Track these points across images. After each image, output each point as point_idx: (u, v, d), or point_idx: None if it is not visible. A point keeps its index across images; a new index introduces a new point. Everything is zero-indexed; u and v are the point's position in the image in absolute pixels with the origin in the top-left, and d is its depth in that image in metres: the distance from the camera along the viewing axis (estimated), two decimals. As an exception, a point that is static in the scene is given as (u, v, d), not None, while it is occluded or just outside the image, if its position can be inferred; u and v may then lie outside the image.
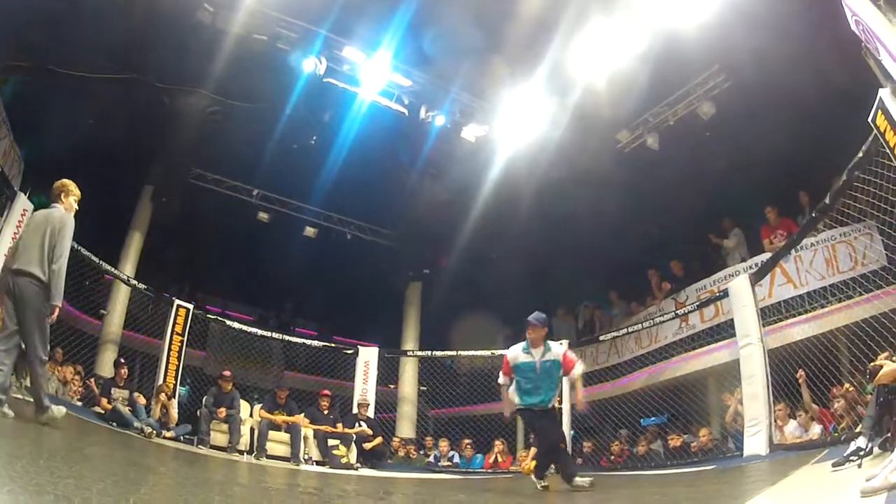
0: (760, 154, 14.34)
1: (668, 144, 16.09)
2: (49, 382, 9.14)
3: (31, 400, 7.64)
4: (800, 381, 10.75)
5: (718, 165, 15.31)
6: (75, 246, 8.54)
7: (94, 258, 14.05)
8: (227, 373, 14.84)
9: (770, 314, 12.47)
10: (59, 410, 7.41)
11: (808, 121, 12.97)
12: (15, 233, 11.69)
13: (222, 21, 14.83)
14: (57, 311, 7.48)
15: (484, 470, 15.82)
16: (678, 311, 14.35)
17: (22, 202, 12.03)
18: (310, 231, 21.24)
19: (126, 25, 14.50)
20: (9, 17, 13.25)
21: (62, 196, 8.06)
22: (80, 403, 13.51)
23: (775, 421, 10.64)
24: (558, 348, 8.97)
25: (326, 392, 15.77)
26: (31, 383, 7.71)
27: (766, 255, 13.10)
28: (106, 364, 16.19)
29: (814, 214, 10.64)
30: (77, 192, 8.18)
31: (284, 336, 18.67)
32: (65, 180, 8.20)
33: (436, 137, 18.08)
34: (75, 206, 8.16)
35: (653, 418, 15.25)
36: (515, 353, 8.85)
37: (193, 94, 17.31)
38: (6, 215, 11.82)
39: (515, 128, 17.29)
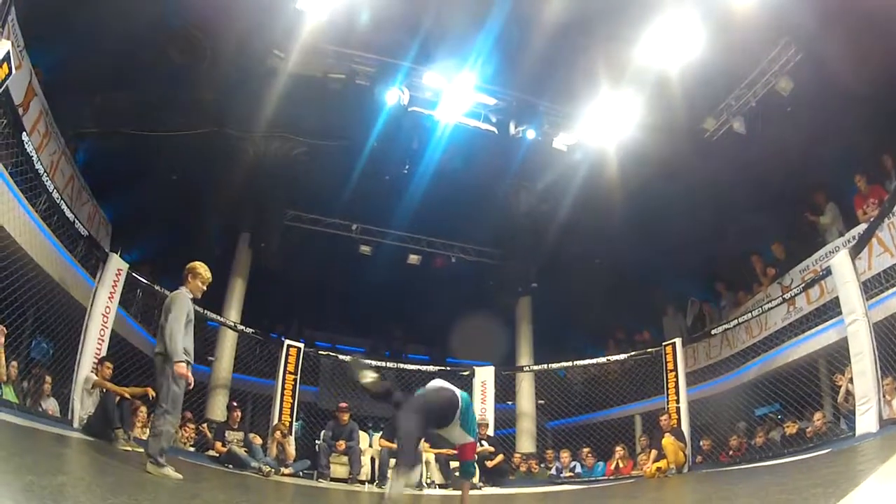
0: (843, 122, 14.00)
1: (753, 126, 15.82)
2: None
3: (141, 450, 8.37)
4: (904, 352, 10.46)
5: (805, 140, 14.88)
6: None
7: (197, 307, 14.51)
8: (343, 405, 15.12)
9: (872, 286, 12.07)
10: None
11: (884, 83, 12.61)
12: (111, 293, 12.24)
13: (295, 65, 15.21)
14: (180, 367, 7.97)
15: (606, 477, 15.68)
16: (784, 296, 14.04)
17: (115, 262, 12.62)
18: (413, 258, 21.50)
19: (195, 81, 15.06)
20: (72, 85, 13.92)
21: (188, 278, 8.65)
22: (192, 449, 13.99)
23: (884, 396, 10.36)
24: None
25: None
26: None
27: (862, 227, 12.74)
28: (217, 408, 16.79)
29: (900, 178, 10.42)
30: (205, 274, 8.73)
31: (398, 364, 18.85)
32: (193, 263, 8.74)
33: (528, 151, 18.11)
34: (202, 287, 8.75)
35: (766, 408, 15.00)
36: None
37: (275, 138, 17.80)
38: (100, 276, 12.38)
39: (603, 131, 17.24)
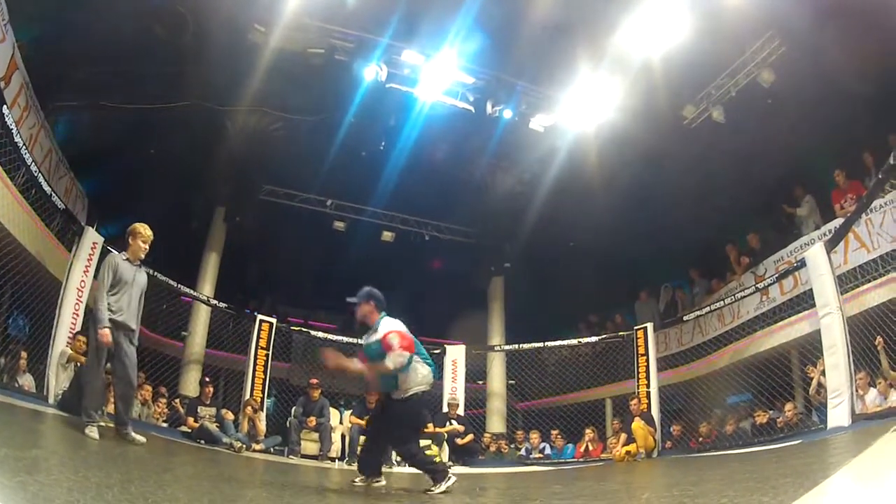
0: (823, 117, 14.13)
1: (733, 116, 15.91)
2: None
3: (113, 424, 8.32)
4: (878, 347, 10.57)
5: (784, 133, 15.00)
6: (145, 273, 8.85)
7: (171, 282, 14.46)
8: (314, 381, 15.13)
9: (847, 280, 12.18)
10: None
11: (866, 79, 12.68)
12: (86, 267, 12.15)
13: (276, 39, 15.13)
14: (103, 333, 7.99)
15: (575, 459, 15.78)
16: (758, 285, 14.17)
17: (91, 236, 12.41)
18: (387, 235, 21.60)
19: (177, 55, 14.94)
20: (55, 59, 13.76)
21: (129, 240, 8.65)
22: (165, 425, 13.98)
23: (857, 391, 10.50)
24: (386, 324, 7.34)
25: None
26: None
27: (839, 221, 12.86)
28: (190, 384, 16.87)
29: (880, 175, 10.50)
30: (145, 232, 8.63)
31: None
32: (133, 224, 8.72)
33: (504, 131, 18.15)
34: (144, 246, 8.65)
35: (737, 397, 15.16)
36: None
37: (254, 113, 17.73)
38: (75, 250, 12.24)
39: (582, 114, 17.25)
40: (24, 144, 10.94)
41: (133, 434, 8.10)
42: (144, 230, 8.60)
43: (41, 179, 11.46)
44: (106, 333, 7.90)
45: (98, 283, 8.36)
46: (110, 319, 8.04)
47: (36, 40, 13.16)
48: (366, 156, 19.06)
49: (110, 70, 14.87)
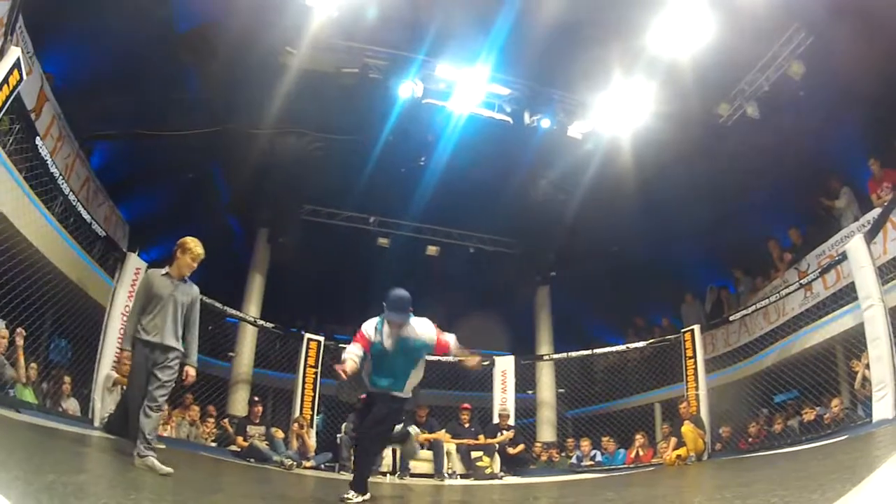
0: (855, 107, 13.99)
1: (767, 111, 15.73)
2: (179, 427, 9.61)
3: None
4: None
5: (818, 124, 14.81)
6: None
7: (216, 304, 14.66)
8: (363, 397, 14.98)
9: (887, 271, 11.98)
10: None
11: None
12: (130, 292, 12.34)
13: (307, 61, 15.30)
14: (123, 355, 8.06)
15: (626, 465, 15.70)
16: (801, 281, 14.00)
17: (133, 262, 12.66)
18: (432, 250, 21.59)
19: (209, 80, 15.23)
20: (85, 89, 14.04)
21: (177, 254, 7.96)
22: (214, 444, 14.17)
23: (902, 382, 10.35)
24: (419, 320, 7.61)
25: (466, 405, 16.04)
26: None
27: (877, 211, 12.67)
28: (239, 404, 17.01)
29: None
30: (196, 249, 7.95)
31: (419, 356, 18.91)
32: (184, 237, 8.05)
33: (542, 140, 18.09)
34: (192, 264, 7.97)
35: (784, 395, 14.97)
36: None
37: (291, 134, 17.90)
38: (118, 276, 12.49)
39: (618, 119, 17.20)
40: (61, 174, 11.18)
41: (156, 461, 7.01)
42: (196, 247, 7.93)
43: (80, 208, 11.68)
44: (126, 356, 7.97)
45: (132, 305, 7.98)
46: (144, 340, 7.61)
47: (63, 72, 13.48)
48: (405, 172, 19.07)
49: (140, 98, 15.11)
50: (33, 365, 11.02)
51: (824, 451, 9.21)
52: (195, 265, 8.00)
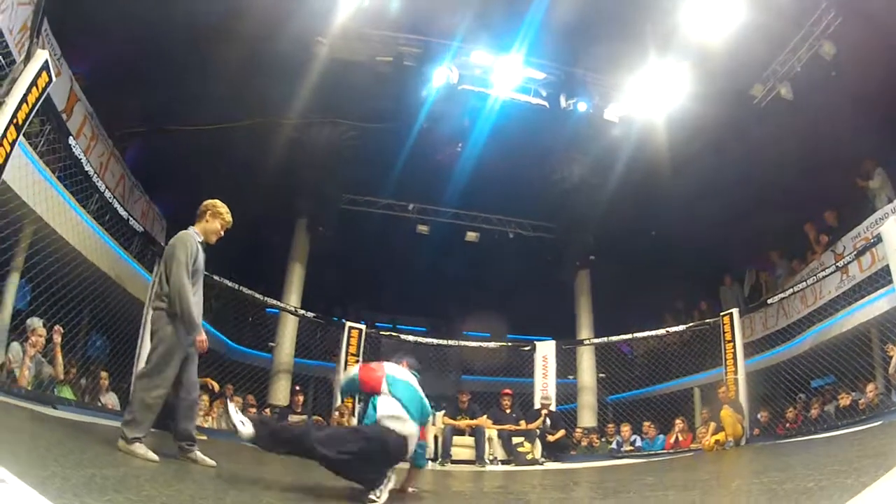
0: (887, 87, 13.68)
1: (800, 92, 15.56)
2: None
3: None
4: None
5: (851, 104, 14.53)
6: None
7: (257, 295, 14.83)
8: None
9: (924, 254, 11.80)
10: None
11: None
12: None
13: (340, 51, 15.48)
14: (201, 343, 6.93)
15: (665, 451, 15.64)
16: (837, 264, 13.80)
17: (170, 257, 12.74)
18: (471, 236, 21.74)
19: (239, 73, 15.33)
20: (116, 88, 14.24)
21: (207, 216, 7.21)
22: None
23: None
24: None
25: (507, 391, 15.91)
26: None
27: (911, 193, 12.57)
28: (280, 393, 17.17)
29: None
30: (227, 216, 7.29)
31: (459, 342, 19.16)
32: (212, 200, 7.34)
33: (579, 124, 18.09)
34: (220, 231, 7.25)
35: (821, 380, 14.85)
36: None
37: (326, 124, 18.03)
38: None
39: (653, 102, 17.17)
40: (95, 172, 11.34)
41: (200, 454, 6.79)
42: (227, 213, 7.29)
43: (115, 204, 11.81)
44: (205, 340, 6.95)
45: (176, 268, 6.66)
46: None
47: (93, 71, 13.71)
48: (443, 158, 19.15)
49: (172, 93, 15.29)
50: (72, 362, 11.26)
51: (859, 436, 9.18)
52: (223, 233, 7.34)
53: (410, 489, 6.49)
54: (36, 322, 9.85)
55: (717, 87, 16.15)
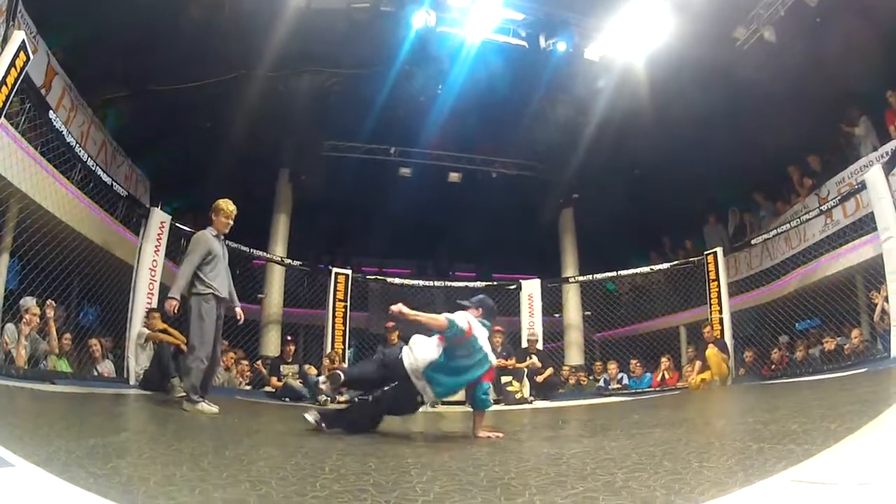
0: (872, 35, 13.63)
1: (784, 36, 15.40)
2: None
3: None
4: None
5: (835, 52, 14.45)
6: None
7: (242, 247, 14.77)
8: (389, 324, 14.75)
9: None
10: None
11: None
12: (156, 247, 12.51)
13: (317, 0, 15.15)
14: (169, 302, 8.20)
15: (652, 389, 15.86)
16: (821, 207, 13.91)
17: (157, 216, 12.93)
18: (454, 176, 21.64)
19: (220, 30, 15.16)
20: (93, 57, 14.05)
21: (213, 216, 8.85)
22: (248, 387, 14.52)
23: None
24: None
25: (499, 328, 15.64)
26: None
27: (895, 143, 12.53)
28: (271, 344, 17.36)
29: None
30: (227, 208, 8.83)
31: (446, 283, 19.19)
32: (216, 201, 8.95)
33: (560, 64, 17.85)
34: (228, 221, 8.88)
35: (806, 322, 14.96)
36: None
37: (306, 73, 17.83)
38: (143, 232, 12.75)
39: (635, 41, 16.96)
40: (77, 142, 11.32)
41: (207, 404, 8.02)
42: (227, 206, 8.84)
43: (98, 171, 11.85)
44: (172, 303, 8.13)
45: (185, 258, 8.57)
46: (213, 295, 8.38)
47: (71, 44, 13.45)
48: (424, 101, 18.98)
49: (151, 56, 15.09)
50: (67, 335, 11.35)
51: (844, 381, 9.31)
52: (231, 222, 8.94)
53: (487, 434, 6.31)
54: (29, 301, 9.93)
55: (699, 28, 15.88)
